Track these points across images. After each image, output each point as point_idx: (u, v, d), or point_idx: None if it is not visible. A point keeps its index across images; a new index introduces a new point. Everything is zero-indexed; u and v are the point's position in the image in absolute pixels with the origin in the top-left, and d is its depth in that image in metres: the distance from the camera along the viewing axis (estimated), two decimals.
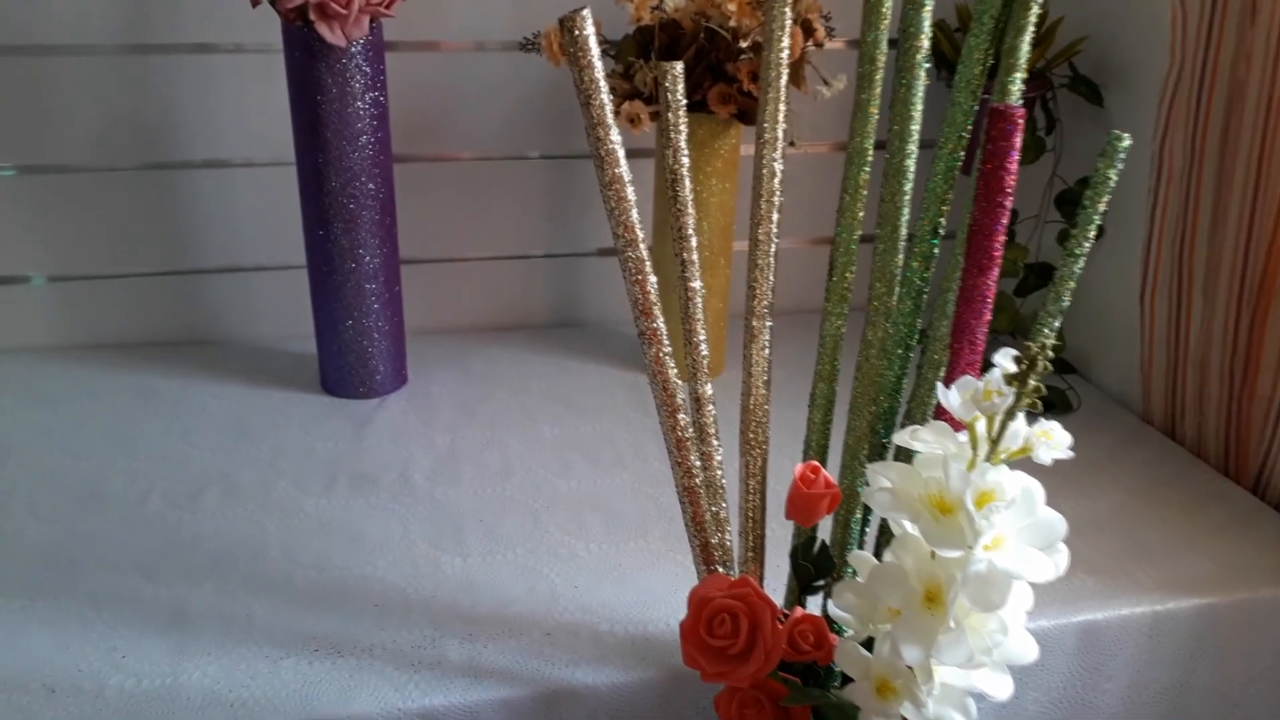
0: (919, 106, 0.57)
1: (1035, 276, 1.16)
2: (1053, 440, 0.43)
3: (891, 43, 0.58)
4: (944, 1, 1.13)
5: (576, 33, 0.45)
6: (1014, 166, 0.46)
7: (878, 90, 0.60)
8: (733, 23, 0.92)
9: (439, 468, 0.91)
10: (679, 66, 0.53)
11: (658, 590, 0.75)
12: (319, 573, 0.76)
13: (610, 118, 0.47)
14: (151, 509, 0.84)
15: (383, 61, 0.95)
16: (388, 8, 0.90)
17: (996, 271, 0.49)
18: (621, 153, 0.48)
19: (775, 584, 0.73)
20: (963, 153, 0.59)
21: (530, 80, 1.13)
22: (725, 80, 0.96)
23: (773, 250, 0.61)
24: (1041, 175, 1.12)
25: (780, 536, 0.76)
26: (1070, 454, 0.43)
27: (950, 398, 0.44)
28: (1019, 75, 0.54)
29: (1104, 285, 1.10)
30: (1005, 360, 0.44)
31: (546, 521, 0.83)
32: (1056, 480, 0.47)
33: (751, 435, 0.62)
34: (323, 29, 0.87)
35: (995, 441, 0.44)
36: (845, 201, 0.62)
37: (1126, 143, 0.52)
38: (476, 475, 0.90)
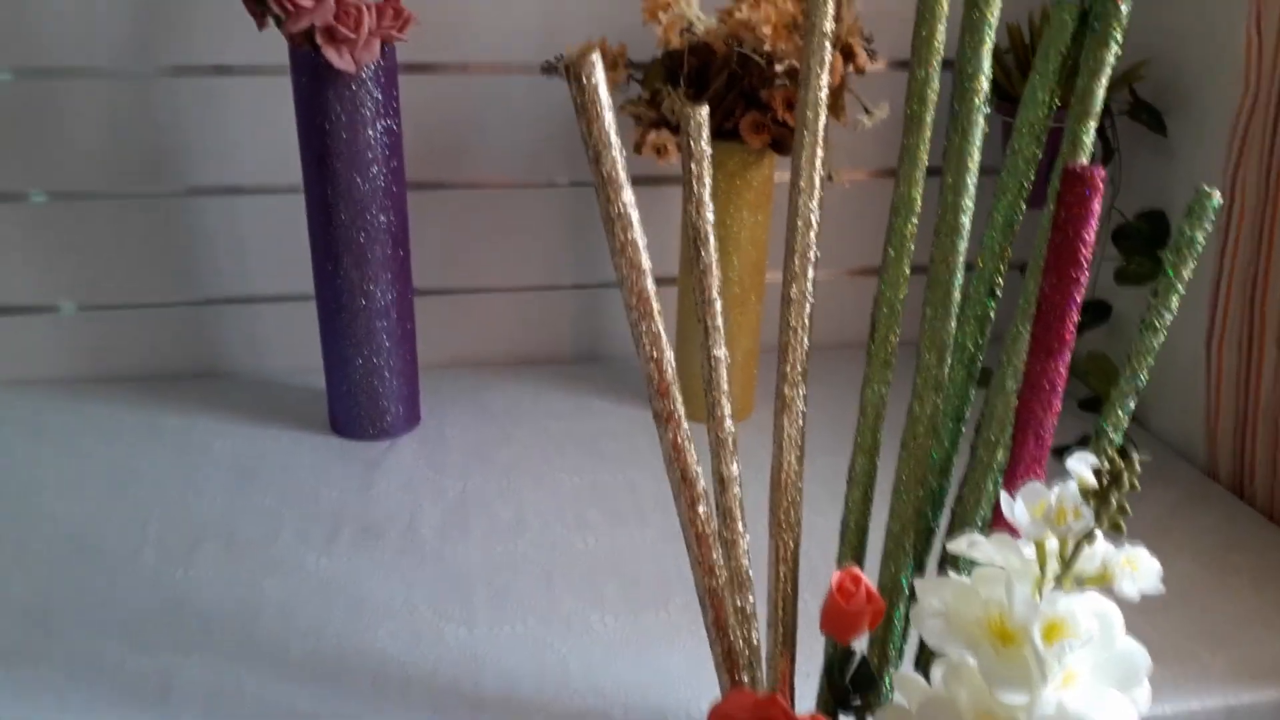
0: (976, 157, 0.50)
1: (1091, 315, 1.08)
2: (1139, 571, 0.36)
3: (945, 64, 0.51)
4: None
5: (585, 80, 0.39)
6: (1091, 237, 0.40)
7: (927, 134, 0.54)
8: (767, 47, 0.86)
9: (448, 520, 0.86)
10: (704, 111, 0.47)
11: (677, 671, 0.69)
12: (316, 640, 0.71)
13: (623, 176, 0.41)
14: (144, 563, 0.79)
15: (396, 87, 0.90)
16: (400, 31, 0.85)
17: (1068, 355, 0.42)
18: (635, 215, 0.43)
19: (808, 667, 0.66)
20: (1024, 204, 0.53)
21: (557, 103, 1.08)
22: (759, 108, 0.89)
23: (808, 310, 0.55)
24: None
25: (814, 612, 0.69)
26: (1160, 588, 0.36)
27: (1017, 512, 0.37)
28: (1093, 124, 0.48)
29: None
30: (1082, 468, 0.38)
31: (560, 586, 0.77)
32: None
33: (783, 517, 0.55)
34: (330, 54, 0.82)
35: (1068, 565, 0.37)
36: (889, 257, 0.55)
37: (1217, 201, 0.46)
38: (487, 529, 0.85)
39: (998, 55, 1.07)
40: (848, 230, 1.16)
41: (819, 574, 0.75)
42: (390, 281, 0.94)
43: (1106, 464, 0.35)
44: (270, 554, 0.80)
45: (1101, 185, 0.39)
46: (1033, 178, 0.53)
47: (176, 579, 0.77)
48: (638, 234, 0.43)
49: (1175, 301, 0.48)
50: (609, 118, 0.40)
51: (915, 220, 0.55)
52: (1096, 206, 0.39)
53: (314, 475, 0.92)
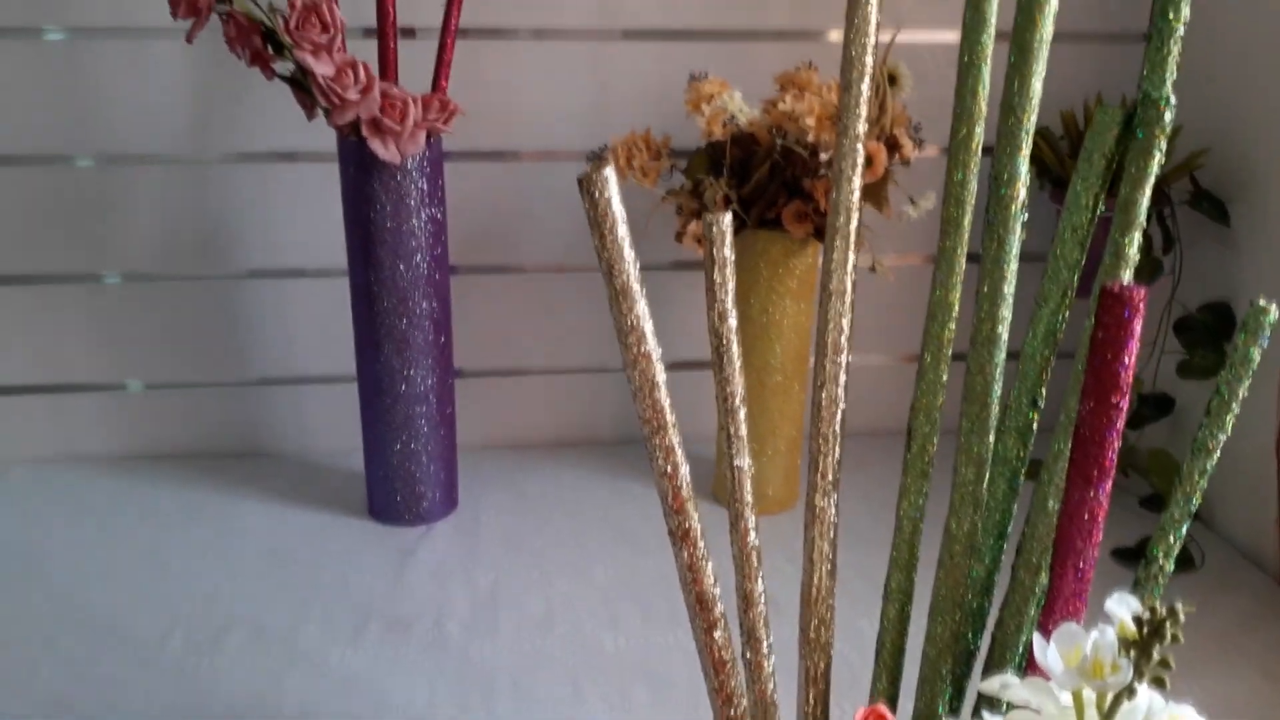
0: (1013, 265, 0.48)
1: (1151, 409, 1.04)
2: None
3: (988, 150, 0.49)
4: (1048, 107, 1.04)
5: (596, 195, 0.38)
6: (1131, 359, 0.37)
7: (965, 237, 0.52)
8: (810, 138, 0.85)
9: (477, 614, 0.84)
10: (727, 219, 0.46)
11: None
12: None
13: (637, 289, 0.40)
14: (170, 651, 0.79)
15: (441, 176, 0.91)
16: (445, 123, 0.86)
17: (1109, 484, 0.39)
18: (649, 327, 0.41)
19: None
20: (1067, 310, 0.51)
21: None
22: (802, 197, 0.88)
23: (839, 416, 0.53)
24: (1158, 299, 1.01)
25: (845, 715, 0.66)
26: None
27: (1050, 659, 0.34)
28: (1137, 235, 0.46)
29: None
30: (1122, 610, 0.35)
31: (586, 689, 0.75)
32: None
33: (813, 635, 0.53)
34: (376, 145, 0.83)
35: (1107, 718, 0.34)
36: (926, 362, 0.53)
37: (1274, 316, 0.43)
38: (516, 625, 0.82)
39: (1051, 141, 1.05)
40: (900, 315, 1.14)
41: (861, 681, 0.71)
42: (430, 366, 0.94)
43: (1147, 613, 0.32)
44: (296, 646, 0.79)
45: (1142, 306, 0.37)
46: (1076, 284, 0.50)
47: (201, 669, 0.76)
48: (651, 346, 0.41)
49: (1230, 421, 0.45)
50: (622, 231, 0.39)
51: (953, 325, 0.53)
52: (1137, 328, 0.37)
53: (346, 562, 0.91)
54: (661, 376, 0.42)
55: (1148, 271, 0.99)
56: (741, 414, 0.49)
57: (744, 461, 0.49)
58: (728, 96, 0.87)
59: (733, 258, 0.47)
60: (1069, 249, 0.50)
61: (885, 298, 1.11)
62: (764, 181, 0.88)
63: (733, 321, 0.48)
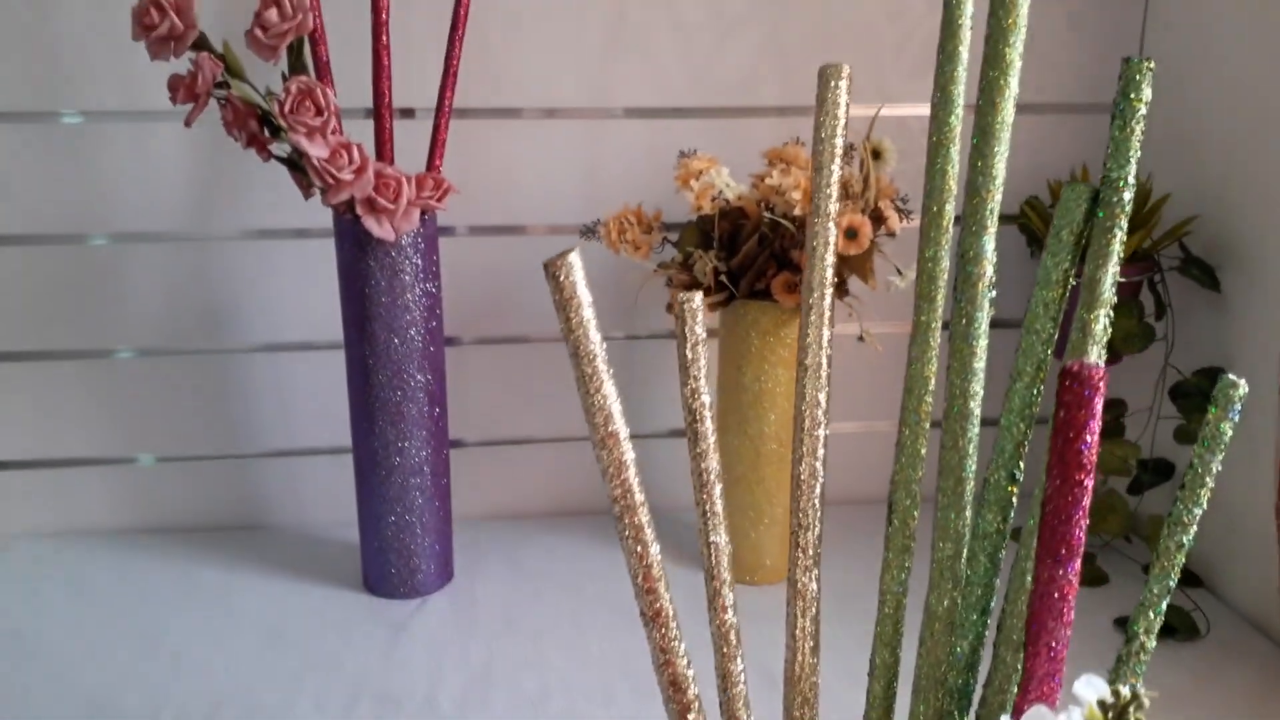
0: (983, 341, 0.49)
1: (1150, 474, 1.03)
2: None
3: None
4: (1037, 177, 1.05)
5: (561, 279, 0.39)
6: (1094, 439, 0.37)
7: (939, 312, 0.53)
8: (797, 211, 0.86)
9: (469, 691, 0.83)
10: (698, 299, 0.46)
11: None
12: None
13: (603, 370, 0.41)
14: None
15: (436, 252, 0.92)
16: (439, 201, 0.88)
17: (1078, 563, 0.39)
18: (618, 408, 0.42)
19: None
20: (1041, 387, 0.51)
21: (595, 263, 1.09)
22: (790, 269, 0.89)
23: (818, 490, 0.53)
24: (1152, 365, 1.01)
25: None
26: None
27: None
28: (1102, 313, 0.46)
29: (1232, 486, 0.97)
30: (1088, 693, 0.34)
31: None
32: None
33: (797, 714, 0.52)
34: (370, 223, 0.85)
35: None
36: (905, 435, 0.54)
37: (1243, 390, 0.43)
38: (508, 703, 0.82)
39: (1040, 210, 1.07)
40: (893, 382, 1.14)
41: None
42: (425, 439, 0.95)
43: (1111, 697, 0.32)
44: None
45: (1102, 385, 0.37)
46: (1048, 355, 0.51)
47: None
48: (619, 426, 0.42)
49: (1205, 495, 0.45)
50: (588, 314, 0.40)
51: (930, 399, 0.53)
52: (1098, 407, 0.37)
53: (340, 636, 0.91)
54: (630, 456, 0.42)
55: (1142, 339, 1.00)
56: (717, 490, 0.49)
57: (720, 538, 0.49)
58: (715, 172, 0.88)
59: (704, 335, 0.47)
60: (1042, 323, 0.50)
61: (877, 366, 1.11)
62: (752, 253, 0.89)
63: (706, 398, 0.48)
